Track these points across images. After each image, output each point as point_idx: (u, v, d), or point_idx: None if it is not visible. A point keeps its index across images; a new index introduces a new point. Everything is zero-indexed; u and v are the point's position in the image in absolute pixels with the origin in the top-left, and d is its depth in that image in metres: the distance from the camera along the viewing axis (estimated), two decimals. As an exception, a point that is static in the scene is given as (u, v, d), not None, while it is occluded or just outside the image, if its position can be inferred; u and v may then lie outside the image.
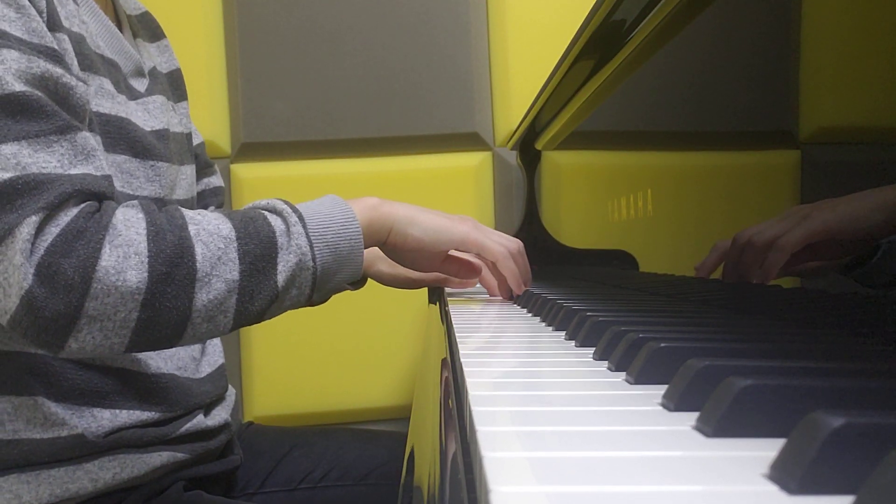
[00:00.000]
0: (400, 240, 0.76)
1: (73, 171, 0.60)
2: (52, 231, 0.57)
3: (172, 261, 0.60)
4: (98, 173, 0.62)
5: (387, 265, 0.92)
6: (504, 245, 0.81)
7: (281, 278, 0.64)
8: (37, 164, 0.59)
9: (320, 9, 1.56)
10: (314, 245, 0.66)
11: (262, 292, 0.64)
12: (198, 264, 0.61)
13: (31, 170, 0.58)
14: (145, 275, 0.58)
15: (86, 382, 0.71)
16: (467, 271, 0.87)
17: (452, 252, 0.83)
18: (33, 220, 0.56)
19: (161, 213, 0.63)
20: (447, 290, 0.97)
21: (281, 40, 1.56)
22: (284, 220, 0.66)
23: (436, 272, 0.84)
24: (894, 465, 0.19)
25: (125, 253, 0.58)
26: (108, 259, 0.57)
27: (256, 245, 0.63)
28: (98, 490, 0.71)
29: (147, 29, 0.93)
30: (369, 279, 0.97)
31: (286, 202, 0.69)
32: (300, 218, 0.67)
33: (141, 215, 0.61)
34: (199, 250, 0.61)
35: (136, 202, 0.64)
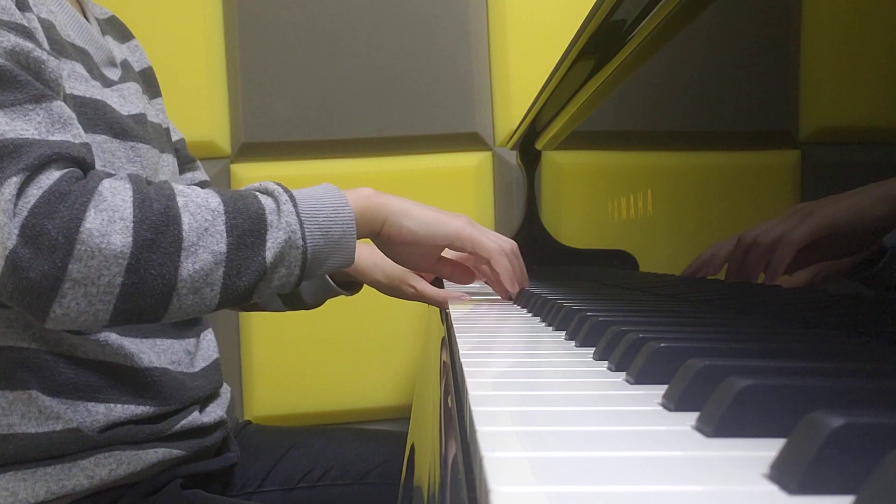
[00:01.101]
0: (395, 231, 0.76)
1: (52, 138, 0.61)
2: (35, 193, 0.57)
3: (158, 228, 0.60)
4: (76, 141, 0.63)
5: (382, 275, 0.92)
6: (498, 243, 0.81)
7: (269, 255, 0.64)
8: (14, 132, 0.59)
9: (320, 9, 1.56)
10: (304, 225, 0.66)
11: (249, 267, 0.64)
12: (184, 233, 0.61)
13: (9, 136, 0.58)
14: (130, 239, 0.58)
15: (79, 376, 0.71)
16: (461, 274, 0.86)
17: (448, 255, 0.83)
18: (14, 181, 0.57)
19: (150, 185, 0.63)
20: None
21: (281, 40, 1.56)
22: (275, 199, 0.67)
23: (431, 271, 0.84)
24: (894, 465, 0.19)
25: (110, 217, 0.58)
26: (93, 222, 0.58)
27: (245, 220, 0.64)
28: (94, 487, 0.71)
29: (116, 31, 0.93)
30: (364, 286, 0.97)
31: (278, 184, 0.69)
32: (291, 198, 0.67)
33: (128, 185, 0.61)
34: (185, 220, 0.61)
35: (123, 174, 0.64)
